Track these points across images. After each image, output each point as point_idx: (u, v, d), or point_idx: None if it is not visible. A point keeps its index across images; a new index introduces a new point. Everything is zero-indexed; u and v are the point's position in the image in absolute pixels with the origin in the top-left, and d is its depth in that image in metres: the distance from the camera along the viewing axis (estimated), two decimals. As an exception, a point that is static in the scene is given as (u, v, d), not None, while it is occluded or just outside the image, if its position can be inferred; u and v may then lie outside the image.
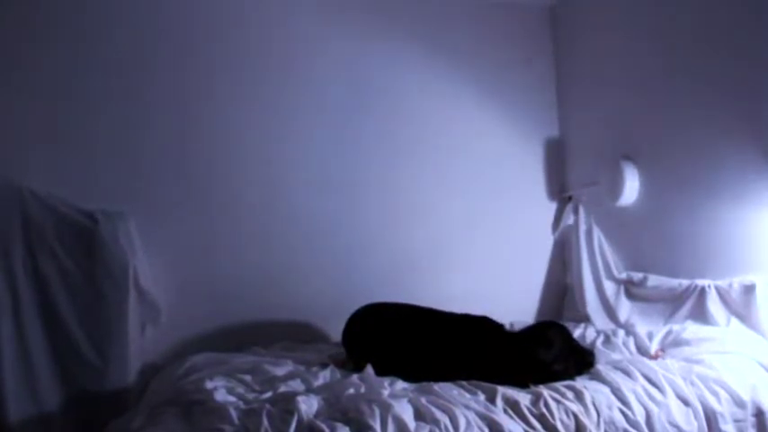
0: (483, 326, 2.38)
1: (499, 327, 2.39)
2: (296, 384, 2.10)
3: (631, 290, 3.03)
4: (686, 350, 2.36)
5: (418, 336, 2.35)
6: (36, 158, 2.61)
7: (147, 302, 2.66)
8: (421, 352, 2.30)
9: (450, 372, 2.18)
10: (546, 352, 2.19)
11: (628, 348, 2.57)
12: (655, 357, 2.38)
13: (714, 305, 2.55)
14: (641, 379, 2.06)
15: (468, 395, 1.95)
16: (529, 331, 2.36)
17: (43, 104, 2.66)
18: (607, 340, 2.71)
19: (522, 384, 2.04)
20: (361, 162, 3.21)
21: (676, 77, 2.81)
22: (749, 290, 2.42)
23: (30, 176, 2.55)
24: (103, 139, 2.75)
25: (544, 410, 1.85)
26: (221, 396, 1.93)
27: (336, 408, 1.81)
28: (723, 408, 2.01)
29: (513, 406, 1.87)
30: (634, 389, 2.00)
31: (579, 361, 2.23)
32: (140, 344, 2.65)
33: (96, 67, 2.76)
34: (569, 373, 2.16)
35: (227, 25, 3.02)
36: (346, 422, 1.72)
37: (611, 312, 3.06)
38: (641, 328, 2.72)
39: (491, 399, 1.92)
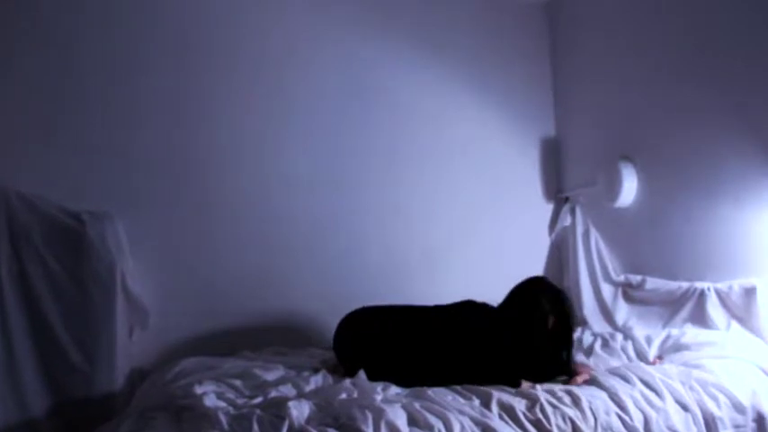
0: (471, 318, 2.38)
1: (485, 314, 2.39)
2: (287, 389, 2.08)
3: (629, 293, 3.02)
4: (685, 354, 2.35)
5: (409, 338, 2.33)
6: (22, 159, 2.58)
7: (134, 305, 2.64)
8: (413, 354, 2.29)
9: (443, 373, 2.17)
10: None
11: (626, 353, 2.56)
12: (653, 364, 2.35)
13: (714, 308, 2.54)
14: (639, 384, 2.03)
15: (462, 400, 1.93)
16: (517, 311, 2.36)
17: (30, 105, 2.64)
18: (605, 344, 2.69)
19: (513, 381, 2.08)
20: (356, 162, 3.19)
21: (675, 76, 2.80)
22: (750, 292, 2.41)
23: (15, 178, 2.52)
24: (91, 139, 2.72)
25: (540, 416, 1.83)
26: (211, 401, 1.91)
27: (328, 413, 1.79)
28: (723, 413, 1.99)
29: (508, 411, 1.85)
30: (632, 394, 1.98)
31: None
32: (128, 348, 2.63)
33: (84, 67, 2.74)
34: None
35: (221, 23, 2.99)
36: (338, 428, 1.70)
37: (608, 316, 3.05)
38: (639, 332, 2.70)
39: (486, 404, 1.89)
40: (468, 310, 2.43)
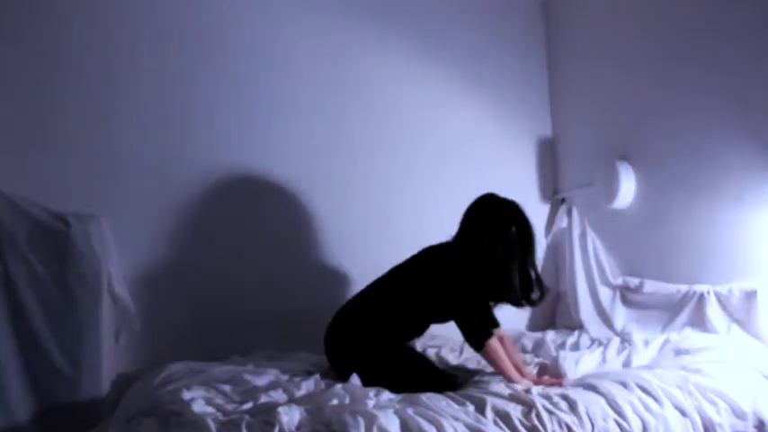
0: (431, 260, 2.42)
1: (441, 252, 2.42)
2: (277, 395, 2.06)
3: (627, 296, 3.01)
4: (684, 359, 2.32)
5: (385, 307, 2.42)
6: (4, 160, 2.54)
7: (121, 309, 2.60)
8: (394, 317, 2.41)
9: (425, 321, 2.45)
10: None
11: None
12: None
13: (713, 312, 2.53)
14: (637, 389, 2.00)
15: (456, 406, 1.90)
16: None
17: (11, 104, 2.59)
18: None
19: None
20: (348, 162, 3.17)
21: (673, 75, 2.79)
22: (750, 296, 2.40)
23: (-2, 178, 2.51)
24: (74, 138, 2.69)
25: (536, 422, 1.81)
26: (199, 407, 1.88)
27: (319, 419, 1.76)
28: (722, 419, 1.97)
29: (503, 417, 1.82)
30: (630, 399, 1.95)
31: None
32: (114, 352, 2.59)
33: (65, 64, 2.70)
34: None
35: (201, 16, 2.96)
36: (330, 434, 1.68)
37: (606, 319, 3.03)
38: (638, 336, 2.68)
39: (480, 410, 1.87)
40: (426, 255, 2.46)
